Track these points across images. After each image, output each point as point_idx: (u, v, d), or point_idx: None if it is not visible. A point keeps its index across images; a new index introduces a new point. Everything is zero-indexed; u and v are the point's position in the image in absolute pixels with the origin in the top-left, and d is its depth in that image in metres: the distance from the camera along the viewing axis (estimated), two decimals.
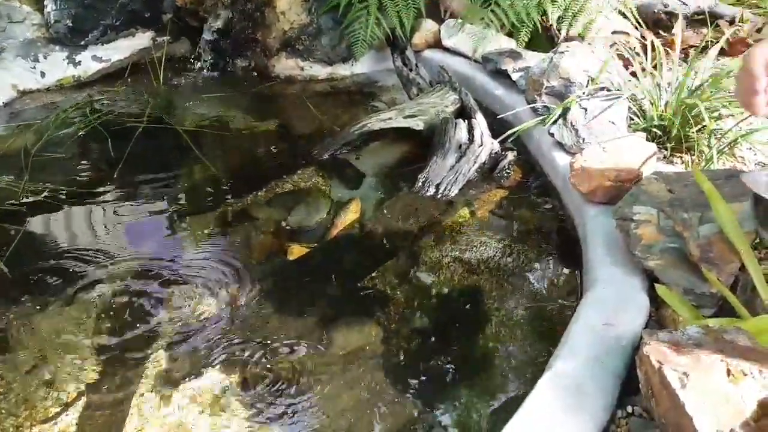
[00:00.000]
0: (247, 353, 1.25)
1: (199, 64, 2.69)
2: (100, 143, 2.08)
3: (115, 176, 1.90)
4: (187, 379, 1.20)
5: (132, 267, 1.51)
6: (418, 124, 1.95)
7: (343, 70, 2.70)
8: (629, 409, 0.95)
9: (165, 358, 1.25)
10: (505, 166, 1.82)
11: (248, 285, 1.45)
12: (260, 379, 1.19)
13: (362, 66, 2.71)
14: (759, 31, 2.56)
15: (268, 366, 1.22)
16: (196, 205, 1.78)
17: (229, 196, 1.80)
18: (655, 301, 1.14)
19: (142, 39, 2.68)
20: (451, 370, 1.23)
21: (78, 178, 1.91)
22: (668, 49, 1.91)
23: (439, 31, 2.61)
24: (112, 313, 1.37)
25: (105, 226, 1.67)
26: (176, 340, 1.29)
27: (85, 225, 1.69)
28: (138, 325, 1.34)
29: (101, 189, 1.84)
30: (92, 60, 2.57)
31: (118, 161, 1.97)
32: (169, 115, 2.31)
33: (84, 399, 1.16)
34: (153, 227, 1.69)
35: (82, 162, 2.00)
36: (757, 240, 1.28)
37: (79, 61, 2.55)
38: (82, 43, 2.57)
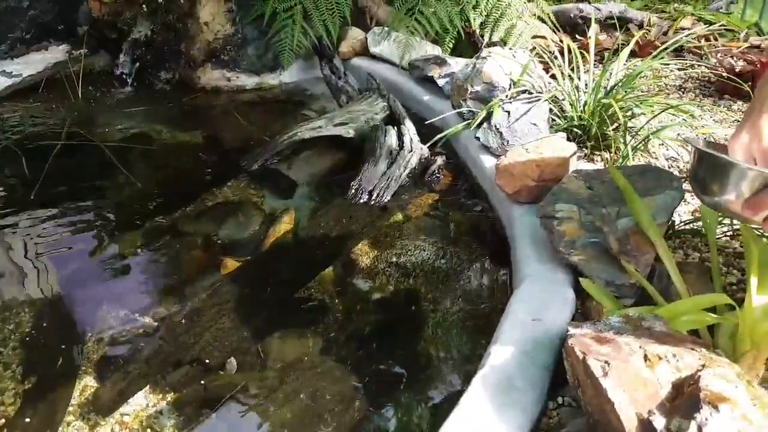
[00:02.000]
0: (180, 373, 1.22)
1: (119, 77, 2.60)
2: (14, 163, 1.97)
3: (32, 197, 1.81)
4: (117, 404, 1.15)
5: (54, 290, 1.44)
6: (348, 132, 1.96)
7: (271, 80, 2.68)
8: (559, 399, 0.98)
9: (92, 383, 1.20)
10: (435, 171, 1.85)
11: (180, 302, 1.41)
12: (195, 399, 1.16)
13: (290, 75, 2.70)
14: (665, 34, 2.72)
15: (204, 384, 1.19)
16: (123, 222, 1.72)
17: (157, 212, 1.75)
18: (581, 294, 1.19)
19: (56, 52, 2.57)
20: (391, 374, 1.24)
21: None
22: (584, 52, 2.00)
23: (366, 39, 2.63)
24: (34, 339, 1.30)
25: (23, 250, 1.59)
26: (104, 363, 1.24)
27: (0, 250, 1.60)
28: (62, 350, 1.27)
29: (17, 210, 1.75)
30: (1, 75, 2.44)
31: (35, 181, 1.87)
32: (89, 131, 2.22)
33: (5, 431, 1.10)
34: (76, 248, 1.61)
35: None
36: (670, 231, 1.36)
37: None
38: None
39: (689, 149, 1.01)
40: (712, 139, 1.39)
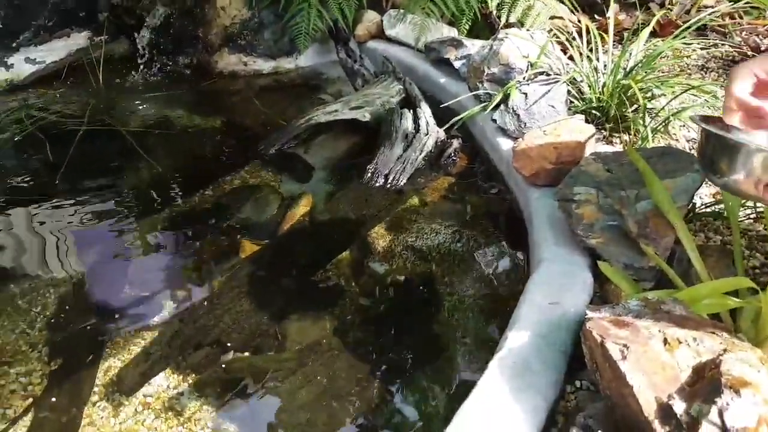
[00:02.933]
0: (200, 355, 1.24)
1: (139, 62, 2.62)
2: (39, 149, 2.00)
3: (56, 182, 1.84)
4: (140, 385, 1.17)
5: (78, 273, 1.47)
6: (364, 116, 1.96)
7: (287, 64, 2.68)
8: (577, 383, 0.98)
9: (116, 365, 1.22)
10: (451, 154, 1.84)
11: (199, 284, 1.43)
12: (215, 381, 1.18)
13: (306, 59, 2.69)
14: (688, 12, 2.65)
15: (223, 366, 1.21)
16: (143, 206, 1.74)
17: (177, 196, 1.77)
18: (599, 278, 1.18)
19: (78, 39, 2.59)
20: (408, 357, 1.25)
21: (16, 185, 1.83)
22: (603, 32, 1.96)
23: (382, 21, 2.61)
24: (58, 321, 1.33)
25: (50, 233, 1.62)
26: (127, 345, 1.27)
27: (28, 233, 1.63)
28: (86, 332, 1.30)
29: (42, 195, 1.78)
30: (25, 62, 2.47)
31: (59, 166, 1.90)
32: (110, 116, 2.24)
33: (32, 413, 1.13)
34: (99, 231, 1.64)
35: (20, 169, 1.92)
36: (690, 214, 1.35)
37: (12, 64, 2.45)
38: (14, 45, 2.46)
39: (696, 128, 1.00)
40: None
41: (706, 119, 0.93)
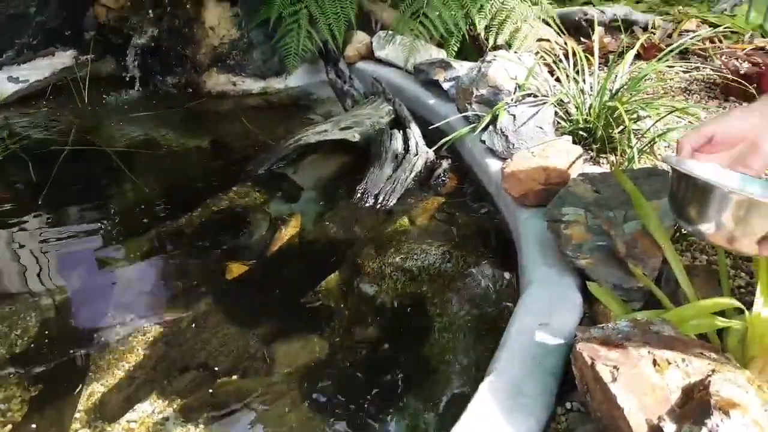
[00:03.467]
0: (187, 378, 1.22)
1: (126, 82, 2.61)
2: (21, 169, 1.98)
3: (39, 203, 1.82)
4: (124, 410, 1.15)
5: (61, 296, 1.44)
6: (354, 136, 1.96)
7: (276, 84, 2.69)
8: (568, 405, 0.98)
9: (99, 390, 1.20)
10: (440, 174, 1.85)
11: (186, 307, 1.41)
12: (202, 405, 1.16)
13: (296, 79, 2.71)
14: (670, 36, 2.71)
15: (210, 390, 1.19)
16: (129, 228, 1.73)
17: (163, 217, 1.76)
18: (588, 298, 1.18)
19: (63, 58, 2.59)
20: (398, 380, 1.23)
21: None
22: (589, 55, 2.00)
23: (371, 42, 2.64)
24: (39, 346, 1.30)
25: (32, 255, 1.59)
26: (111, 370, 1.24)
27: (9, 254, 1.61)
28: (68, 357, 1.28)
29: (24, 216, 1.76)
30: (8, 81, 2.46)
31: (42, 187, 1.88)
32: (96, 136, 2.23)
33: None
34: (83, 253, 1.62)
35: (2, 190, 1.89)
36: (677, 234, 1.36)
37: None
38: None
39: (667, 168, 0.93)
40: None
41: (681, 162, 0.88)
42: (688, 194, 0.79)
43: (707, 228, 0.77)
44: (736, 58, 2.32)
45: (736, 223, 0.74)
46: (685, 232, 1.20)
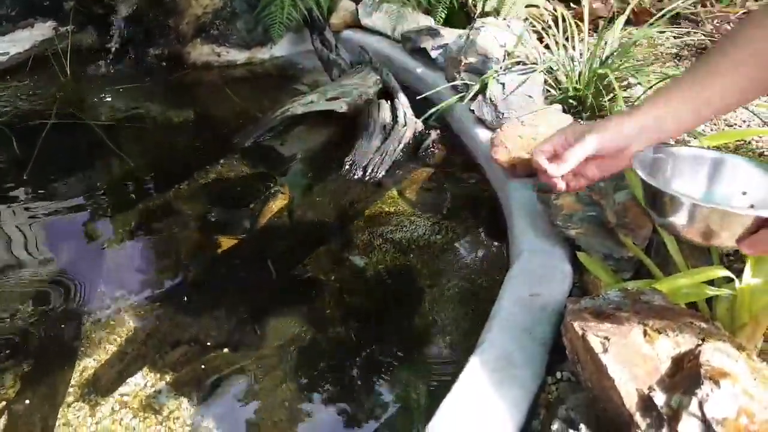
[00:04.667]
0: (178, 352, 1.22)
1: (108, 53, 2.55)
2: (4, 144, 1.94)
3: (24, 177, 1.78)
4: (116, 385, 1.15)
5: (50, 271, 1.43)
6: (341, 107, 1.93)
7: (261, 54, 2.63)
8: (558, 374, 0.98)
9: (91, 365, 1.19)
10: (429, 145, 1.83)
11: (176, 281, 1.40)
12: (194, 378, 1.16)
13: (281, 49, 2.66)
14: (661, 0, 2.68)
15: (201, 364, 1.19)
16: (116, 202, 1.70)
17: (150, 191, 1.74)
18: (578, 269, 1.19)
19: (42, 29, 2.51)
20: (389, 351, 1.24)
21: None
22: (578, 21, 1.97)
23: (357, 10, 2.58)
24: (30, 321, 1.29)
25: (19, 231, 1.57)
26: (102, 344, 1.24)
27: None
28: (60, 332, 1.27)
29: (9, 191, 1.73)
30: None
31: (26, 162, 1.85)
32: (79, 109, 2.18)
33: (6, 416, 1.10)
34: (71, 228, 1.60)
35: None
36: None
37: None
38: None
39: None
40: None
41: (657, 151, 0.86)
42: (657, 201, 0.79)
43: (681, 227, 0.77)
44: (728, 22, 2.30)
45: (707, 229, 0.74)
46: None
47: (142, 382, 1.16)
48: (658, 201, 0.78)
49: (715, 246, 0.86)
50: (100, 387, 1.15)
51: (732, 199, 0.84)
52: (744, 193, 0.85)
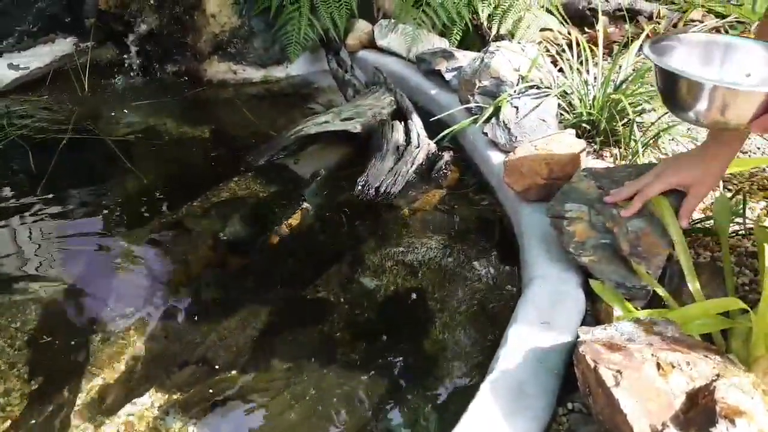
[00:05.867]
0: (186, 373, 1.21)
1: (126, 70, 2.59)
2: (21, 157, 1.97)
3: (38, 192, 1.80)
4: (123, 405, 1.15)
5: (60, 287, 1.44)
6: (355, 127, 1.94)
7: (277, 73, 2.66)
8: (569, 405, 0.97)
9: (98, 384, 1.19)
10: (442, 166, 1.83)
11: (186, 300, 1.40)
12: (201, 400, 1.15)
13: (297, 68, 2.68)
14: (675, 26, 2.68)
15: (209, 386, 1.18)
16: (128, 218, 1.71)
17: (163, 208, 1.75)
18: (591, 296, 1.18)
19: (63, 45, 2.55)
20: (398, 376, 1.23)
21: None
22: (593, 45, 1.97)
23: (373, 31, 2.60)
24: (39, 338, 1.30)
25: (29, 245, 1.58)
26: (110, 363, 1.24)
27: (8, 245, 1.60)
28: (68, 349, 1.27)
29: (23, 205, 1.74)
30: (8, 68, 2.42)
31: (41, 176, 1.87)
32: (96, 124, 2.21)
33: None
34: (83, 244, 1.61)
35: (1, 179, 1.88)
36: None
37: None
38: None
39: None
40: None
41: (657, 45, 0.93)
42: (675, 89, 0.86)
43: (699, 111, 0.84)
44: None
45: (724, 110, 0.81)
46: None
47: (149, 402, 1.16)
48: (675, 86, 0.84)
49: (732, 125, 0.88)
50: (106, 407, 1.15)
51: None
52: (748, 75, 0.94)
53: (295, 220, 1.68)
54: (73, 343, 1.29)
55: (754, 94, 0.80)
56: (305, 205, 1.74)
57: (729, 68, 0.95)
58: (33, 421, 1.12)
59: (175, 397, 1.16)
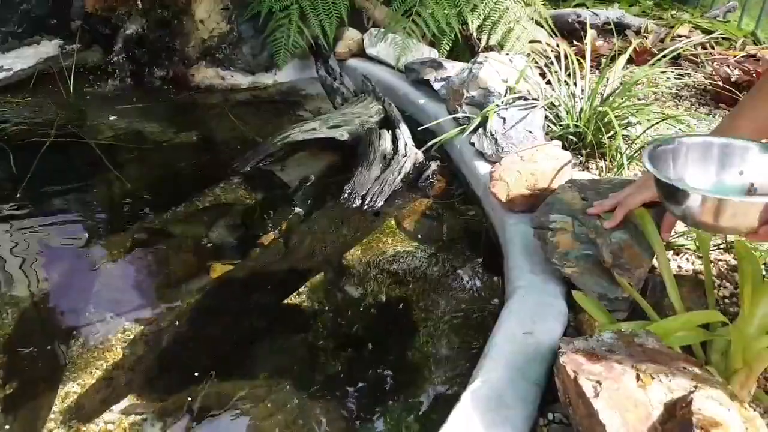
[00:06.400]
0: (165, 381, 1.20)
1: (112, 73, 2.57)
2: (2, 159, 1.94)
3: (18, 195, 1.78)
4: (100, 412, 1.13)
5: (39, 291, 1.41)
6: (342, 135, 1.94)
7: (266, 79, 2.66)
8: (550, 416, 0.97)
9: (75, 390, 1.17)
10: (429, 176, 1.84)
11: (167, 306, 1.39)
12: (180, 409, 1.14)
13: (286, 75, 2.68)
14: (662, 41, 2.71)
15: (189, 393, 1.17)
16: (111, 223, 1.70)
17: (146, 214, 1.73)
18: (573, 307, 1.18)
19: (48, 47, 2.54)
20: (381, 385, 1.22)
21: None
22: (580, 58, 1.99)
23: (363, 39, 2.61)
24: (16, 342, 1.27)
25: (7, 248, 1.56)
26: (88, 369, 1.22)
27: None
28: (45, 354, 1.25)
29: (2, 208, 1.72)
30: None
31: (22, 179, 1.84)
32: (80, 128, 2.19)
33: None
34: (63, 248, 1.59)
35: None
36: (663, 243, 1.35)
37: None
38: None
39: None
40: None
41: (656, 153, 0.96)
42: (671, 195, 0.89)
43: (697, 217, 0.86)
44: (728, 65, 2.33)
45: (724, 218, 0.84)
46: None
47: (127, 409, 1.14)
48: (671, 195, 0.88)
49: (734, 234, 0.92)
50: (83, 413, 1.13)
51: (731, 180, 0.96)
52: (741, 173, 0.97)
53: (280, 227, 1.67)
54: (50, 348, 1.27)
55: (747, 204, 0.84)
56: (293, 211, 1.74)
57: (728, 170, 0.99)
58: (7, 426, 1.09)
59: (154, 404, 1.15)
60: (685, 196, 0.85)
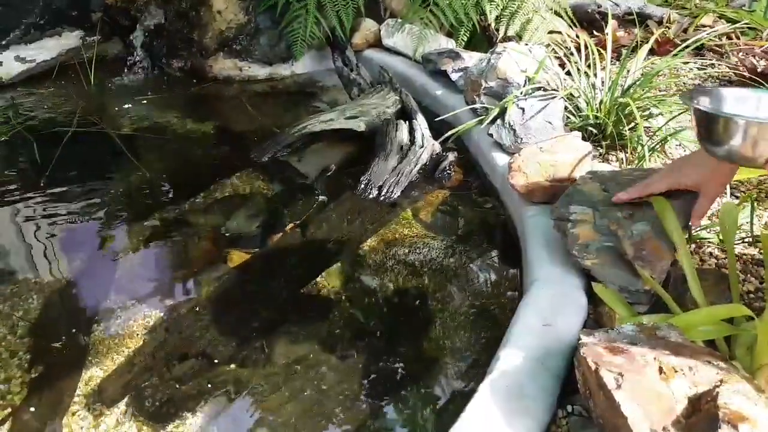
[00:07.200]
0: (185, 366, 1.21)
1: (132, 64, 2.59)
2: (26, 149, 1.97)
3: (42, 184, 1.80)
4: (122, 396, 1.14)
5: (63, 278, 1.43)
6: (359, 126, 1.94)
7: (283, 70, 2.66)
8: (569, 408, 0.96)
9: (98, 374, 1.19)
10: (446, 167, 1.83)
11: (185, 295, 1.40)
12: (200, 393, 1.15)
13: (303, 66, 2.68)
14: (685, 31, 2.66)
15: (208, 379, 1.18)
16: (131, 212, 1.71)
17: (166, 203, 1.74)
18: (593, 299, 1.17)
19: (69, 39, 2.56)
20: (397, 374, 1.22)
21: (1, 186, 1.80)
22: (601, 49, 1.96)
23: (380, 30, 2.60)
24: (41, 327, 1.29)
25: (33, 236, 1.58)
26: (110, 354, 1.23)
27: (11, 235, 1.60)
28: (69, 339, 1.27)
29: (27, 197, 1.75)
30: (15, 60, 2.44)
31: (45, 168, 1.87)
32: (101, 118, 2.21)
33: (10, 423, 1.09)
34: (85, 236, 1.61)
35: (5, 170, 1.89)
36: (686, 236, 1.33)
37: (0, 62, 2.41)
38: (3, 42, 2.43)
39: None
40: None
41: (695, 94, 1.03)
42: (711, 128, 0.94)
43: (736, 148, 0.91)
44: (753, 55, 2.28)
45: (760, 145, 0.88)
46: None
47: (148, 394, 1.15)
48: (712, 127, 0.93)
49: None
50: (106, 397, 1.14)
51: None
52: None
53: (296, 216, 1.67)
54: (73, 333, 1.28)
55: None
56: (310, 201, 1.74)
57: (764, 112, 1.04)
58: (33, 409, 1.11)
59: (173, 390, 1.16)
60: (728, 124, 0.89)
